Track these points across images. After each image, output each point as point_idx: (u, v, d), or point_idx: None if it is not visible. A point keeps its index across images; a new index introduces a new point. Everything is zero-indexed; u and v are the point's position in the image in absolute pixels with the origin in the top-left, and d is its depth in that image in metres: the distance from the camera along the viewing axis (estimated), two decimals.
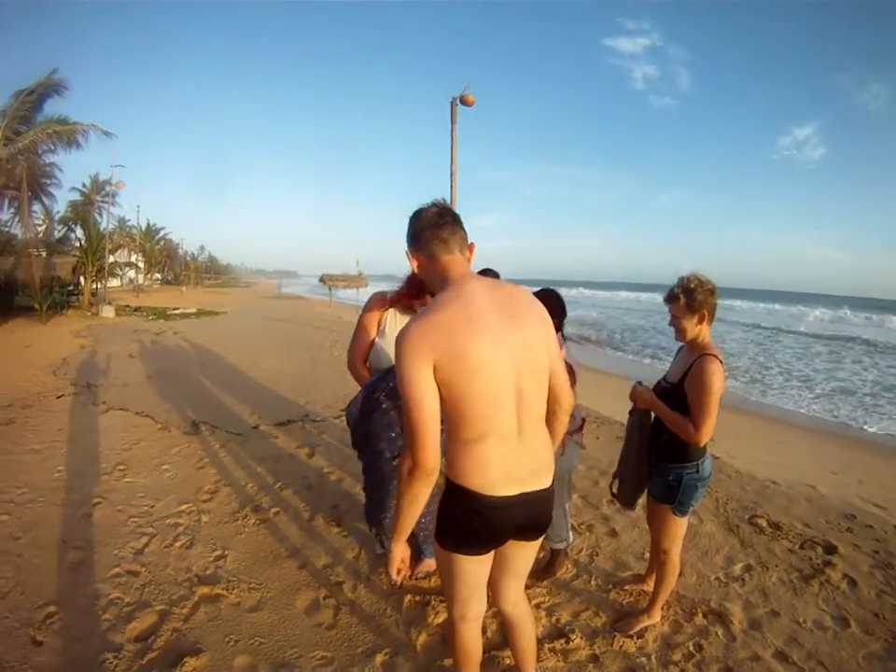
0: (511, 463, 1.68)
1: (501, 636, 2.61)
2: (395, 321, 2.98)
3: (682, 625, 2.80)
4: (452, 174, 8.91)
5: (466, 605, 1.87)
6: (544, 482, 1.76)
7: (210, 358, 11.21)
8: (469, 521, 1.70)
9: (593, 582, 3.20)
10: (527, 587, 2.95)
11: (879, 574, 3.37)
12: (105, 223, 27.76)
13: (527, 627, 2.08)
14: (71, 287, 23.99)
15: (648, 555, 3.22)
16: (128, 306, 25.45)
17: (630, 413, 2.81)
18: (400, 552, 1.76)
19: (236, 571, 3.24)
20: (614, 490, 2.91)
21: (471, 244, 1.80)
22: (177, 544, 3.53)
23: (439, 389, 1.59)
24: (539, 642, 2.57)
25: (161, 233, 60.55)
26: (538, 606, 2.94)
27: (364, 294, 27.41)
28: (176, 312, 23.90)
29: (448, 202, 1.84)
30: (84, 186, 37.47)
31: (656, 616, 2.78)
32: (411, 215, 1.80)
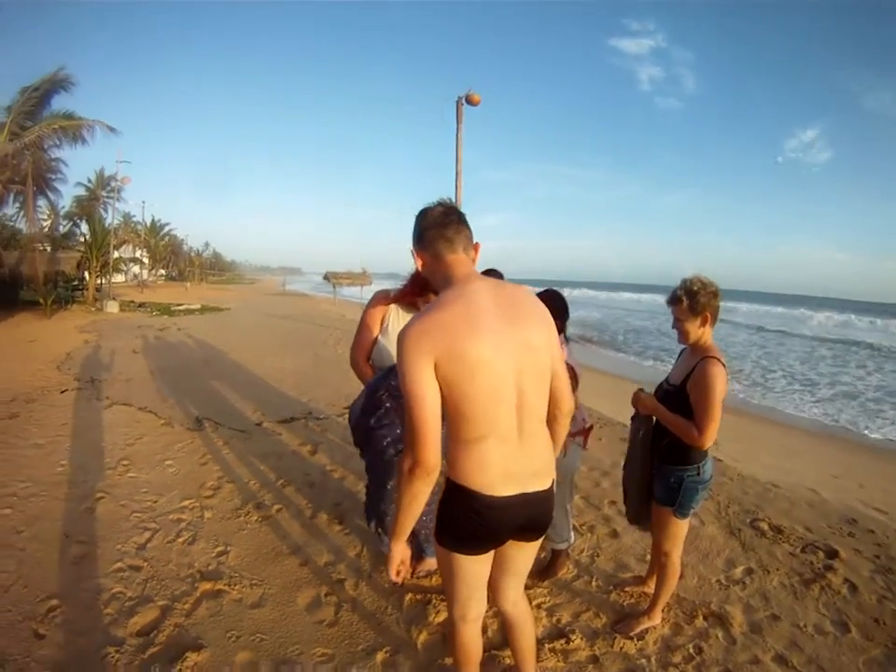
0: (512, 463, 1.68)
1: (502, 635, 2.61)
2: (398, 319, 2.98)
3: (683, 628, 2.80)
4: (457, 173, 8.90)
5: (466, 605, 1.87)
6: (544, 483, 1.77)
7: (213, 355, 11.24)
8: (469, 520, 1.70)
9: (593, 583, 3.20)
10: (528, 587, 2.97)
11: (880, 579, 3.36)
12: (110, 219, 27.90)
13: (527, 627, 2.08)
14: (75, 283, 24.04)
15: (649, 557, 3.22)
16: (132, 302, 25.46)
17: (632, 419, 2.81)
18: (400, 552, 1.76)
19: (238, 567, 3.25)
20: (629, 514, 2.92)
21: (476, 243, 1.80)
22: (180, 540, 3.54)
23: (440, 388, 1.59)
24: (540, 642, 2.57)
25: (166, 229, 60.64)
26: (538, 606, 2.95)
27: (368, 292, 27.43)
28: (180, 308, 23.95)
29: (453, 201, 1.84)
30: (89, 181, 37.58)
31: (657, 618, 2.79)
32: (417, 213, 1.80)
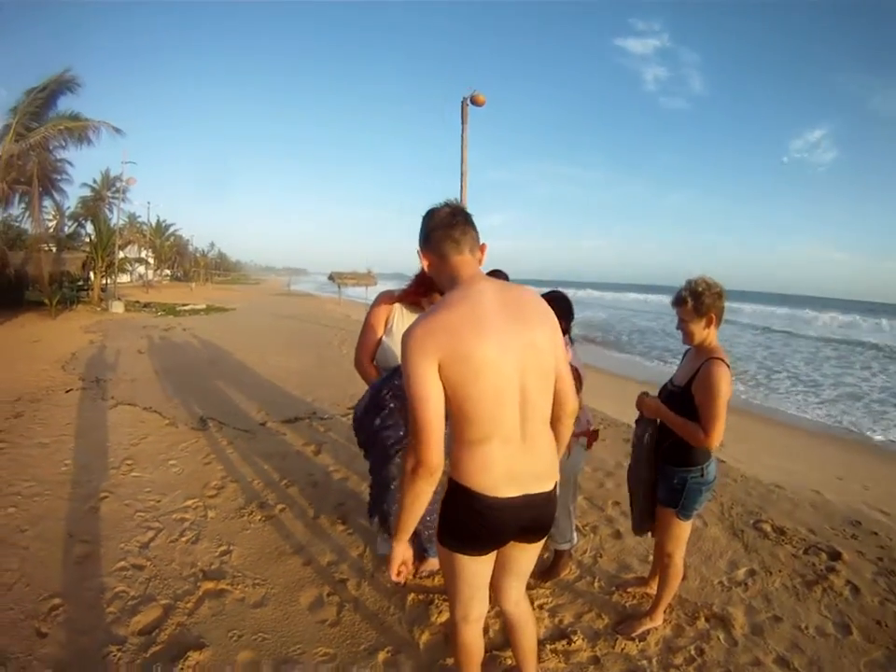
0: (515, 465, 1.68)
1: (503, 635, 2.61)
2: (402, 319, 2.97)
3: (684, 629, 2.80)
4: (462, 173, 8.90)
5: (468, 605, 1.87)
6: (547, 484, 1.77)
7: (218, 355, 11.27)
8: (471, 521, 1.71)
9: (596, 584, 3.20)
10: (530, 588, 2.97)
11: (883, 581, 3.35)
12: (116, 219, 27.93)
13: (528, 628, 2.08)
14: (81, 283, 24.13)
15: (651, 558, 3.21)
16: (137, 302, 25.55)
17: (637, 422, 2.80)
18: (402, 552, 1.76)
19: (241, 567, 3.26)
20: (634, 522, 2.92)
21: (483, 244, 1.79)
22: (183, 539, 3.55)
23: (444, 389, 1.59)
24: (541, 643, 2.58)
25: (171, 230, 60.72)
26: (540, 606, 2.95)
27: (373, 292, 27.44)
28: (186, 308, 24.01)
29: (459, 202, 1.84)
30: (95, 182, 37.65)
31: (658, 619, 2.78)
32: (424, 214, 1.79)
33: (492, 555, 1.83)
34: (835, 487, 5.32)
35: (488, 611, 2.00)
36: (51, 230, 22.90)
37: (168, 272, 62.76)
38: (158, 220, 57.58)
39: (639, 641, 2.68)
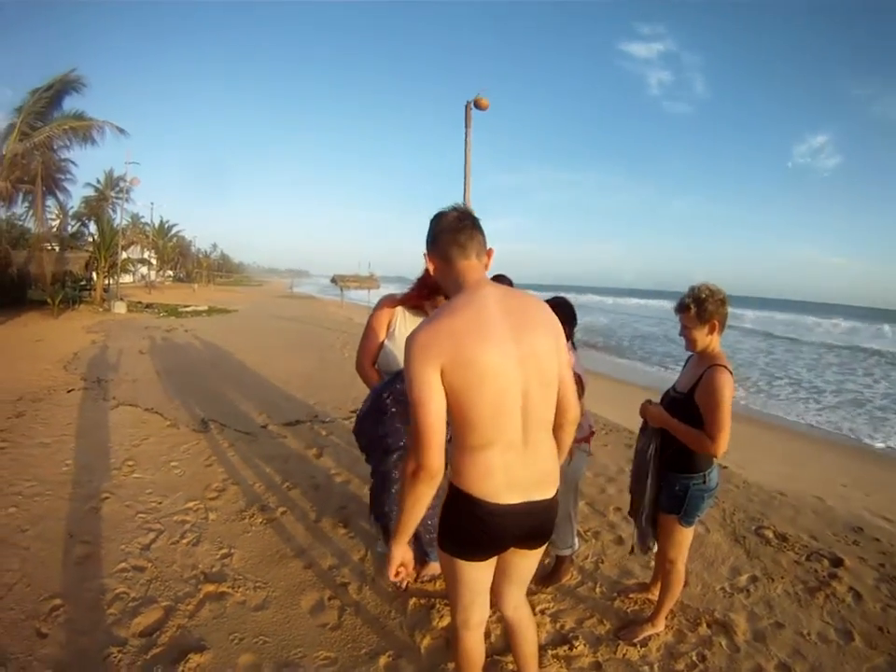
0: (516, 471, 1.67)
1: (505, 640, 2.60)
2: (404, 323, 2.97)
3: (686, 635, 2.79)
4: (465, 176, 8.91)
5: (469, 609, 1.87)
6: (548, 492, 1.76)
7: (220, 356, 11.28)
8: (472, 527, 1.71)
9: (597, 590, 3.19)
10: (532, 593, 2.97)
11: (885, 588, 3.34)
12: (119, 219, 28.00)
13: (528, 633, 2.07)
14: (83, 283, 24.17)
15: (653, 564, 3.20)
16: (140, 303, 25.59)
17: (641, 430, 2.80)
18: (401, 553, 1.76)
19: (242, 570, 3.25)
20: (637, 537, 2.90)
21: (490, 249, 1.79)
22: (184, 541, 3.54)
23: (446, 394, 1.59)
24: (543, 648, 2.57)
25: (174, 231, 60.89)
26: (542, 612, 2.94)
27: (375, 295, 27.47)
28: (188, 309, 24.05)
29: (467, 206, 1.84)
30: (98, 182, 37.76)
31: (660, 625, 2.78)
32: (431, 217, 1.79)
33: (492, 561, 1.83)
34: (837, 494, 5.31)
35: (490, 616, 2.00)
36: (55, 229, 22.98)
37: (171, 273, 62.88)
38: (161, 221, 57.77)
39: (641, 647, 2.67)
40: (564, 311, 2.82)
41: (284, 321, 20.84)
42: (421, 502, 1.63)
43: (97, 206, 31.39)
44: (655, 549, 2.85)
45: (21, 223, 21.59)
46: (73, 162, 20.96)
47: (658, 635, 2.75)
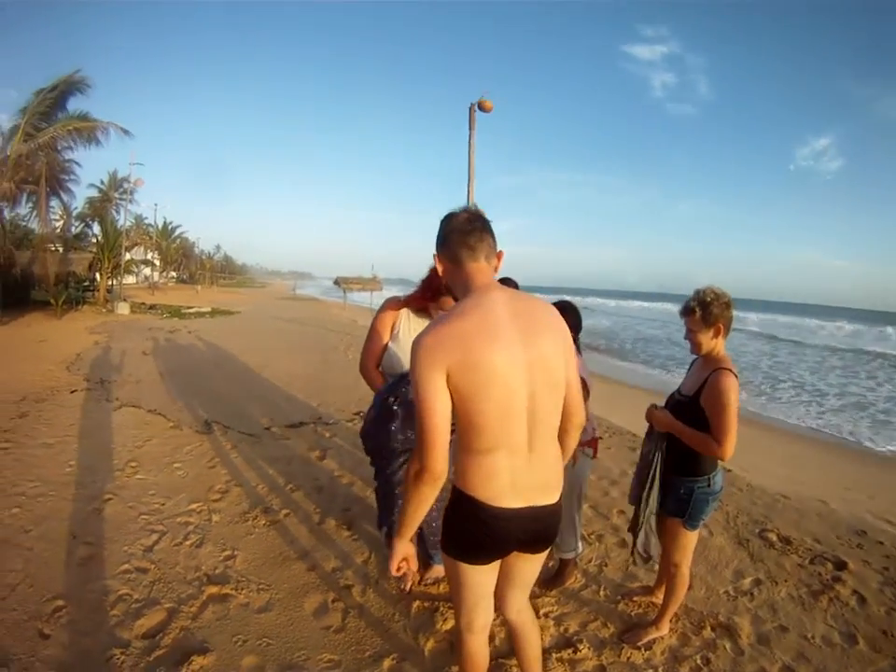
0: (520, 476, 1.67)
1: (509, 644, 2.59)
2: (409, 325, 2.95)
3: (690, 638, 2.79)
4: (469, 178, 8.91)
5: (472, 612, 1.86)
6: (552, 497, 1.76)
7: (223, 358, 11.29)
8: (475, 531, 1.70)
9: (601, 593, 3.18)
10: (536, 596, 2.96)
11: (889, 591, 3.33)
12: (123, 220, 28.09)
13: (532, 636, 2.06)
14: (87, 283, 24.22)
15: (657, 567, 3.20)
16: (143, 304, 25.62)
17: (647, 435, 2.79)
18: (403, 549, 1.76)
19: (245, 572, 3.25)
20: (638, 552, 2.88)
21: (500, 252, 1.78)
22: (187, 543, 3.54)
23: (452, 398, 1.58)
24: (547, 652, 2.57)
25: (178, 232, 60.96)
26: (546, 615, 2.93)
27: (378, 297, 27.49)
28: (191, 310, 24.08)
29: (478, 208, 1.83)
30: (102, 183, 37.87)
31: (664, 628, 2.77)
32: (442, 218, 1.79)
33: (496, 565, 1.83)
34: (841, 497, 5.30)
35: (494, 619, 1.99)
36: (58, 230, 23.02)
37: (174, 274, 62.95)
38: (164, 222, 57.83)
39: (645, 650, 2.67)
40: (570, 315, 2.81)
41: (287, 323, 20.87)
42: (424, 503, 1.63)
43: (101, 207, 31.50)
44: (656, 556, 2.83)
45: (24, 224, 21.66)
46: (77, 163, 21.02)
47: (662, 638, 2.75)
